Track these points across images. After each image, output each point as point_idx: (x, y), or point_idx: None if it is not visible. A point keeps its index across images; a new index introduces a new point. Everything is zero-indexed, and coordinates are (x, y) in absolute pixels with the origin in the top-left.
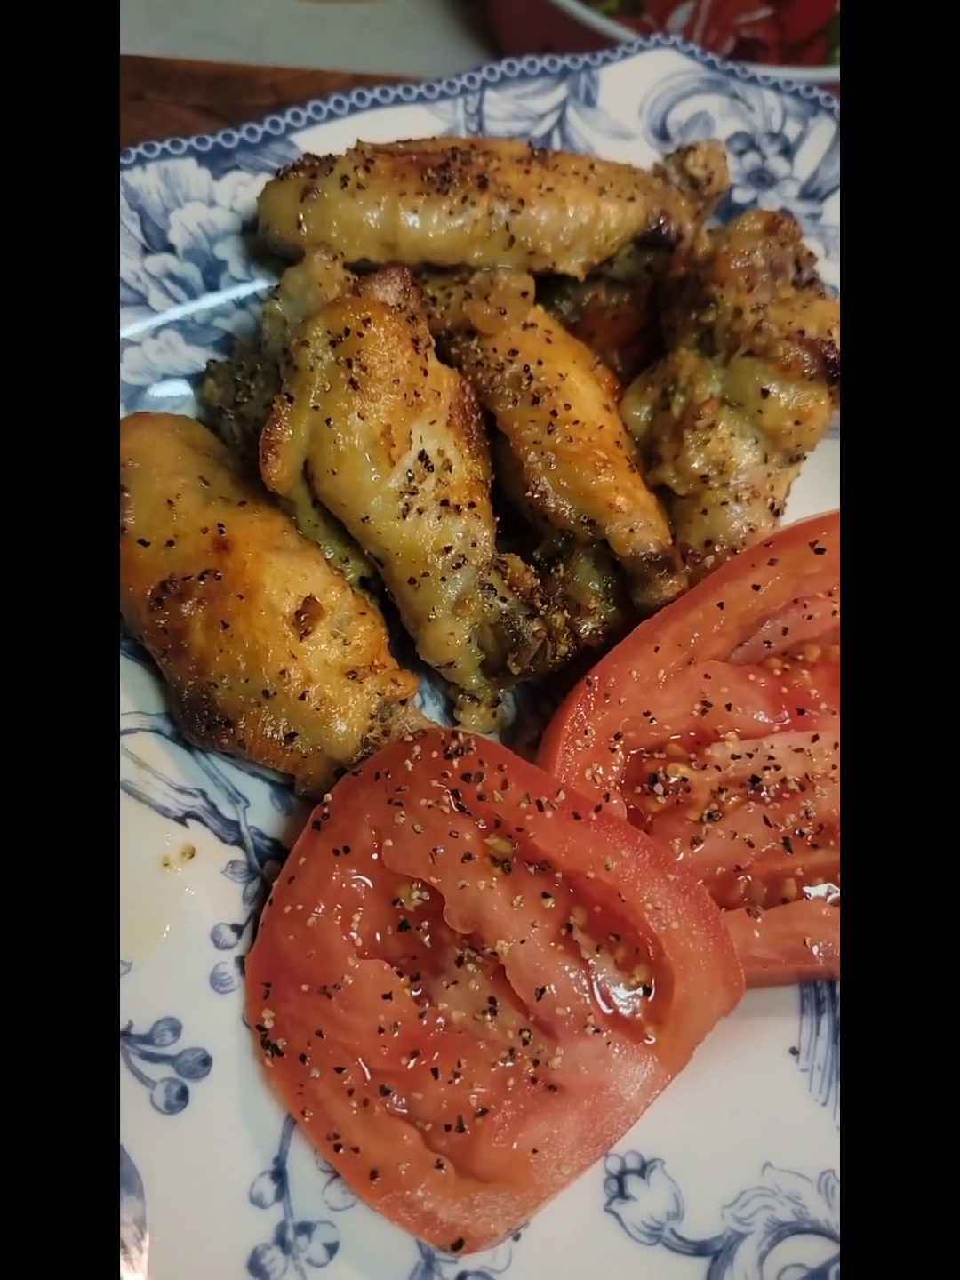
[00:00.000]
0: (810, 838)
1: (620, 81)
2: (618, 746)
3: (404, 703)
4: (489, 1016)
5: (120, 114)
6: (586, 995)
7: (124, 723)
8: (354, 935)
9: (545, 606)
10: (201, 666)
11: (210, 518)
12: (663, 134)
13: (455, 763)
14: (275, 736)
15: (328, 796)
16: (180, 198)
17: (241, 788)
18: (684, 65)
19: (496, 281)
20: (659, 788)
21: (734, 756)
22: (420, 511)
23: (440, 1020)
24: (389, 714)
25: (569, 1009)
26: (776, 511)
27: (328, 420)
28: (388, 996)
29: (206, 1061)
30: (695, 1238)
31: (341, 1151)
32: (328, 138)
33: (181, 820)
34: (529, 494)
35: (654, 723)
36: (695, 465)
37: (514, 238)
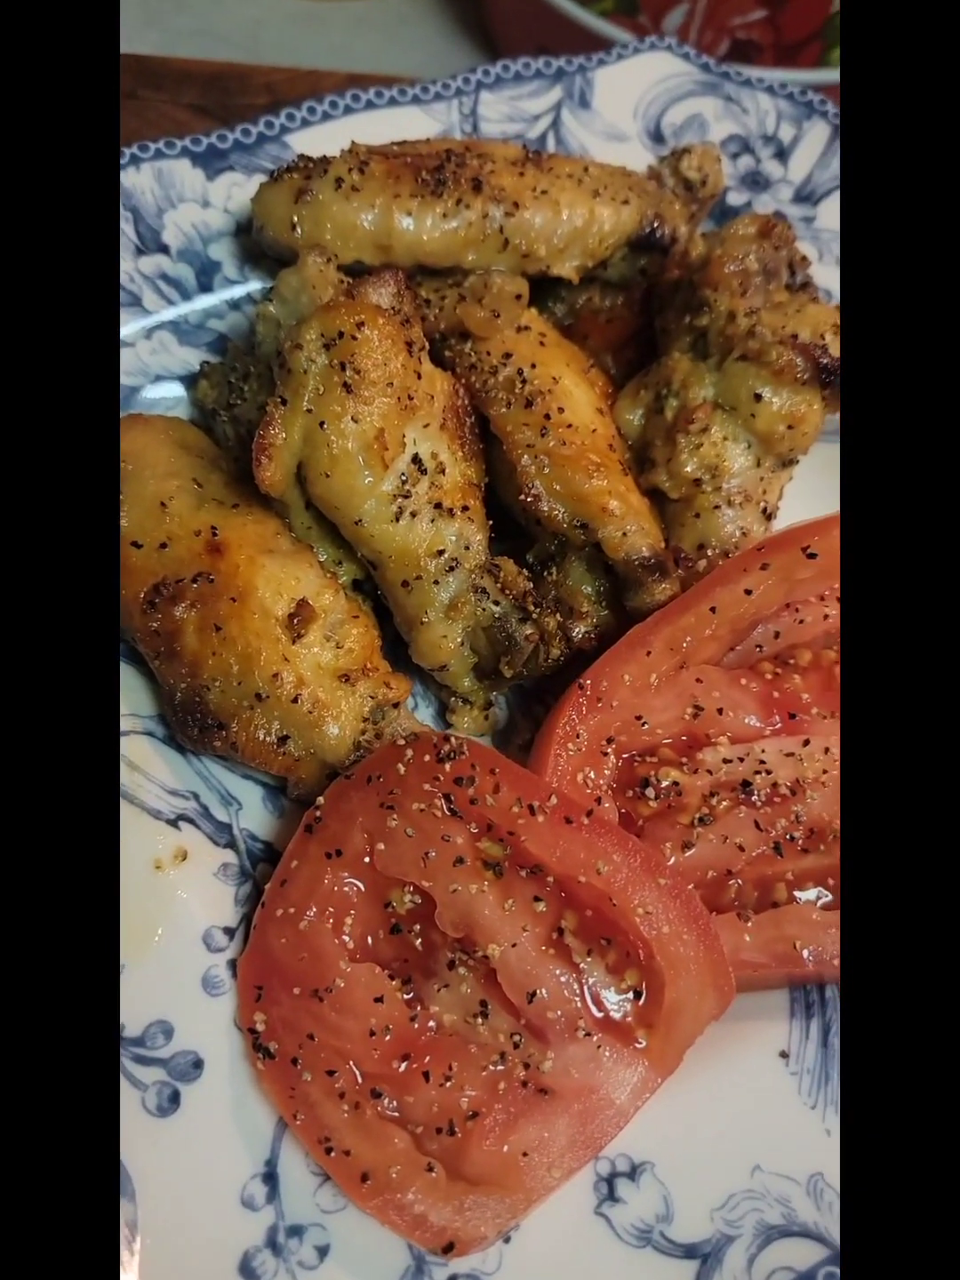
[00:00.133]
0: (801, 842)
1: (615, 83)
2: (610, 750)
3: (396, 706)
4: (480, 1020)
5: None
6: (577, 999)
7: None
8: (346, 938)
9: (538, 610)
10: (194, 669)
11: (203, 520)
12: (657, 136)
13: (447, 766)
14: (268, 739)
15: (320, 800)
16: (174, 198)
17: (234, 790)
18: (679, 67)
19: (490, 284)
20: (650, 791)
21: (725, 760)
22: (413, 515)
23: (431, 1023)
24: (381, 717)
25: (560, 1012)
26: (769, 515)
27: (321, 423)
28: (379, 1000)
29: (198, 1064)
30: (684, 1240)
31: (333, 1154)
32: (322, 138)
33: (174, 823)
34: (522, 497)
35: (646, 726)
36: (688, 469)
37: (508, 240)
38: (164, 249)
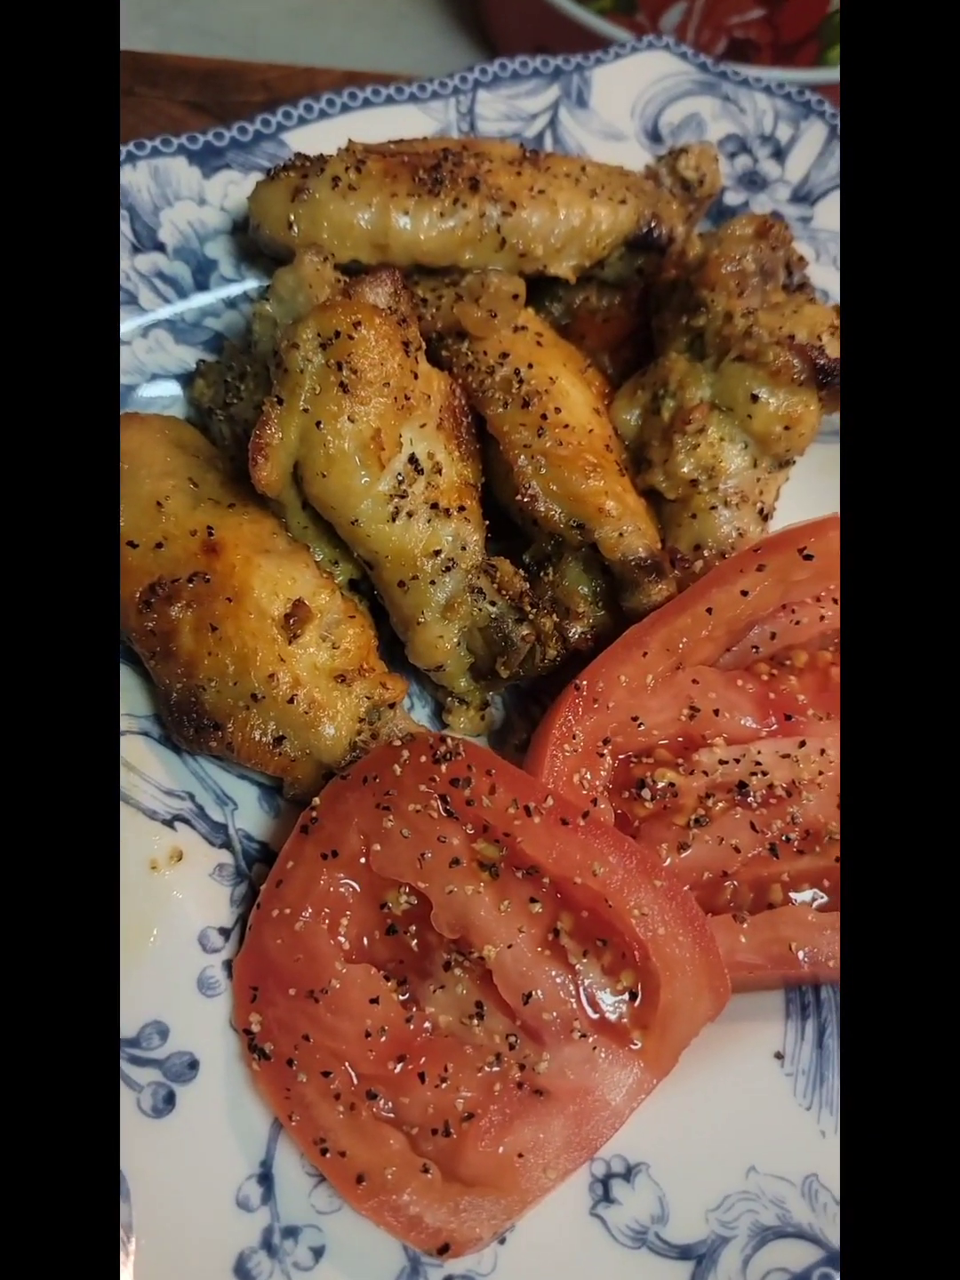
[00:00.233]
0: (796, 843)
1: (612, 82)
2: (606, 751)
3: (392, 706)
4: (476, 1021)
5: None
6: (573, 1000)
7: None
8: (341, 939)
9: (534, 610)
10: (190, 669)
11: (199, 520)
12: (655, 135)
13: (443, 767)
14: (263, 740)
15: (316, 800)
16: (170, 196)
17: (230, 790)
18: (676, 67)
19: (487, 284)
20: (646, 793)
21: (721, 762)
22: (410, 515)
23: (427, 1024)
24: (377, 718)
25: (555, 1014)
26: (765, 516)
27: (318, 423)
28: (375, 1001)
29: (193, 1065)
30: (679, 1241)
31: (328, 1155)
32: (319, 137)
33: (169, 823)
34: (519, 497)
35: (642, 727)
36: (684, 469)
37: (505, 240)
38: (160, 247)
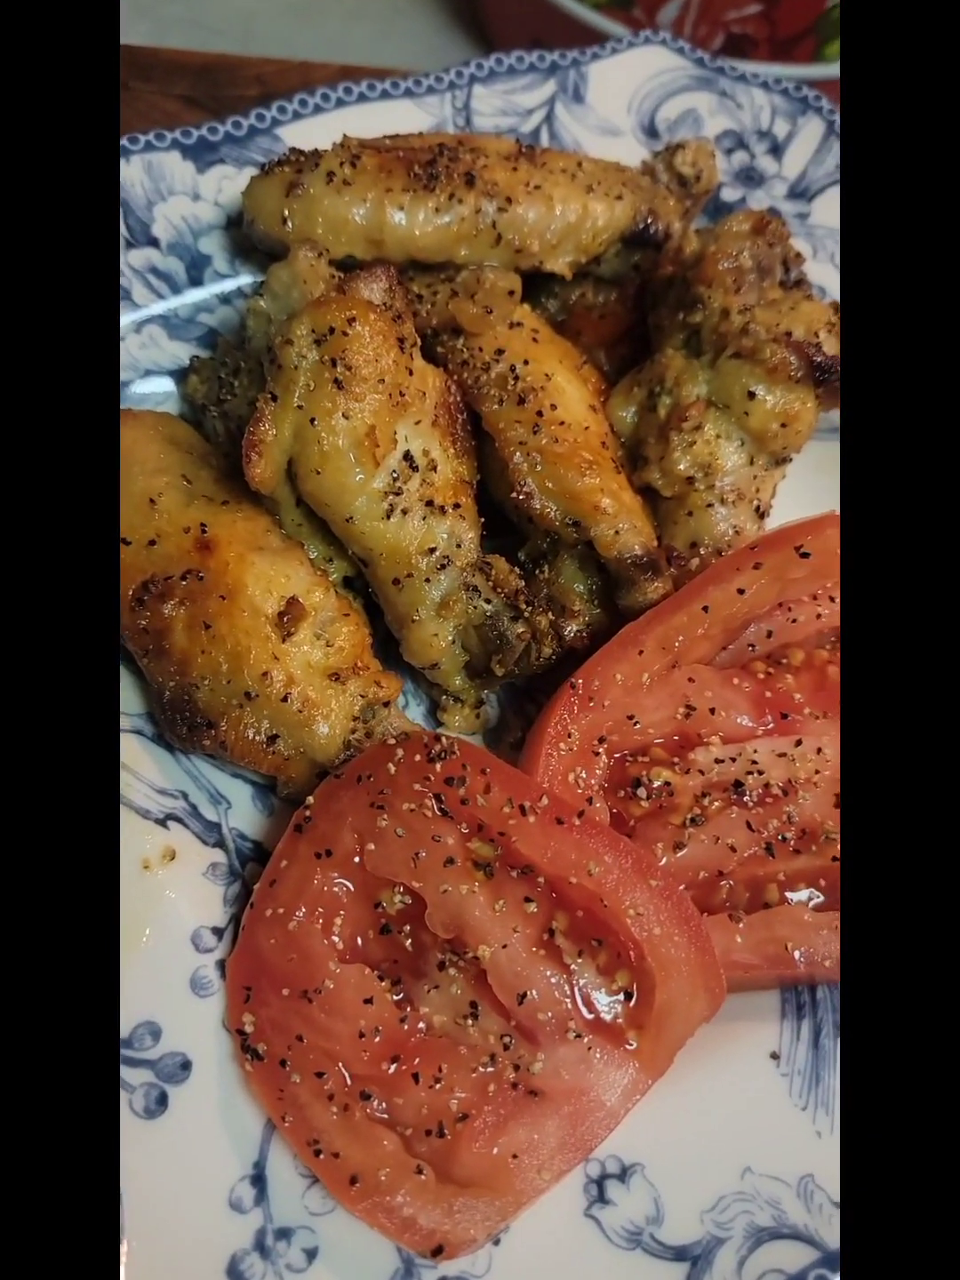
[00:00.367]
0: (793, 843)
1: (609, 78)
2: (601, 750)
3: (387, 705)
4: (470, 1021)
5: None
6: (568, 1000)
7: None
8: (335, 939)
9: (530, 608)
10: (183, 667)
11: (192, 517)
12: (651, 131)
13: (438, 766)
14: (257, 738)
15: (309, 799)
16: (164, 191)
17: (223, 789)
18: (673, 62)
19: (483, 280)
20: (642, 792)
21: (717, 761)
22: (405, 512)
23: (421, 1025)
24: (372, 716)
25: (550, 1014)
26: (762, 514)
27: (312, 419)
28: (369, 1001)
29: (186, 1066)
30: (674, 1242)
31: (321, 1157)
32: (314, 132)
33: (162, 822)
34: (514, 495)
35: (638, 726)
36: (681, 467)
37: (501, 235)
38: (154, 242)
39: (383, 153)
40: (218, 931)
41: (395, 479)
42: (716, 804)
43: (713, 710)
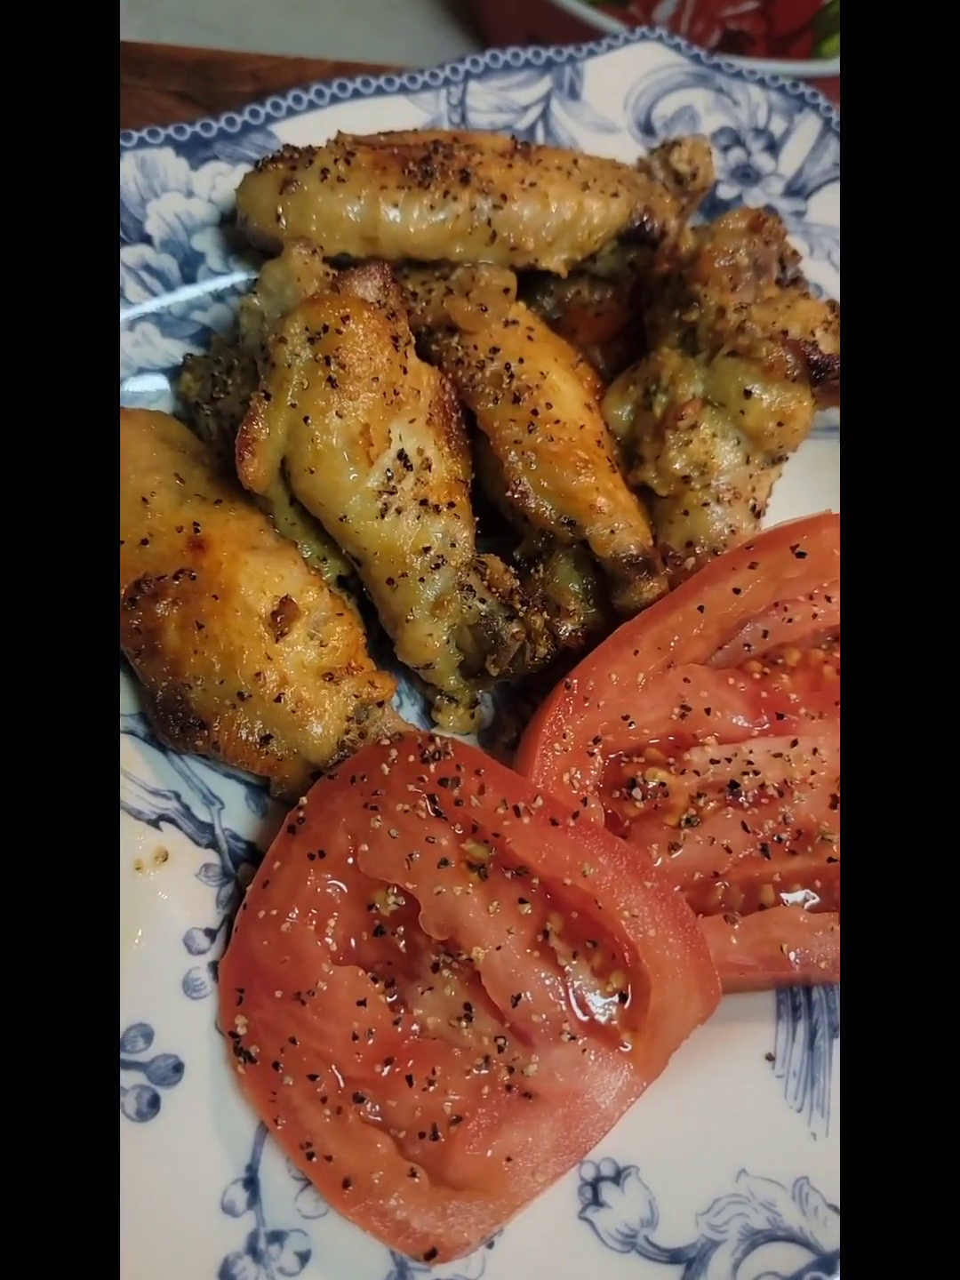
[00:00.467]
0: (788, 844)
1: (605, 74)
2: (596, 750)
3: (381, 705)
4: (464, 1023)
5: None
6: (562, 1002)
7: None
8: (329, 940)
9: (524, 608)
10: (176, 667)
11: (185, 516)
12: (647, 128)
13: (432, 767)
14: (250, 739)
15: (303, 800)
16: (157, 187)
17: (216, 789)
18: (670, 59)
19: (478, 278)
20: (637, 792)
21: (713, 761)
22: (399, 511)
23: (415, 1027)
24: (366, 716)
25: (544, 1016)
26: (758, 513)
27: (305, 418)
28: (362, 1003)
29: (178, 1068)
30: (669, 1245)
31: (314, 1160)
32: (308, 128)
33: (154, 823)
34: (509, 494)
35: (633, 726)
36: (676, 466)
37: (496, 233)
38: (147, 239)
39: (377, 149)
40: (210, 933)
41: (389, 478)
42: (712, 805)
43: (708, 710)
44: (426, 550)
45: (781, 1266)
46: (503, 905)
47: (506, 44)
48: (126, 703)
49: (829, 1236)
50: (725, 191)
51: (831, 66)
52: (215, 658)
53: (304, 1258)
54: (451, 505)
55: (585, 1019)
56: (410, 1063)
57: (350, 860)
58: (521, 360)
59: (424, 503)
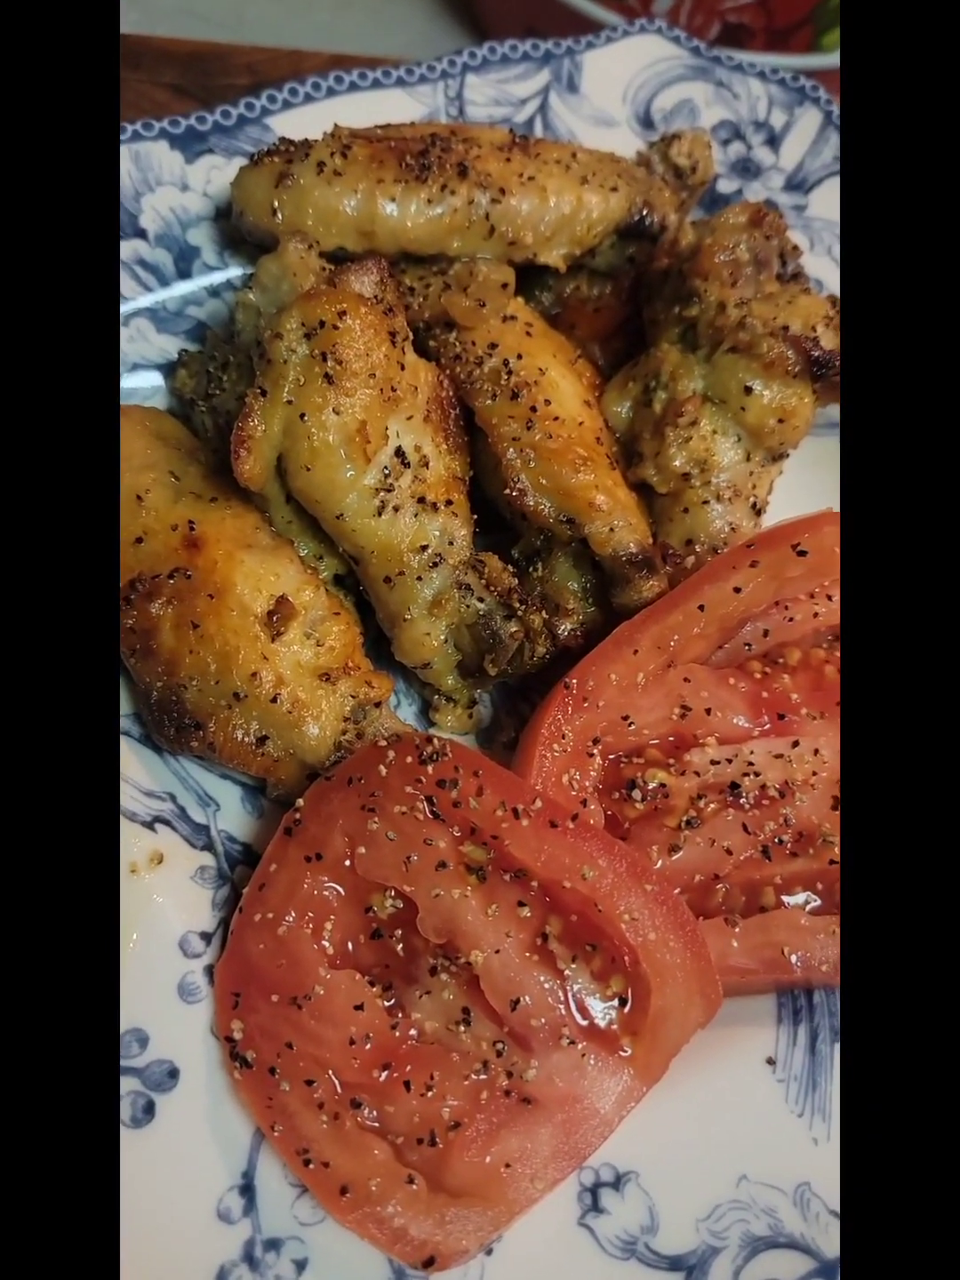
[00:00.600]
0: (789, 845)
1: (604, 67)
2: (595, 751)
3: (378, 705)
4: (462, 1027)
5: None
6: (561, 1006)
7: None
8: (325, 944)
9: (523, 607)
10: (171, 668)
11: (180, 514)
12: (647, 121)
13: (430, 768)
14: (246, 740)
15: (300, 802)
16: (152, 181)
17: (212, 790)
18: (669, 51)
19: (476, 273)
20: (637, 793)
21: (713, 762)
22: (396, 509)
23: (413, 1031)
24: (363, 717)
25: (544, 1020)
26: (758, 510)
27: (302, 415)
28: (359, 1007)
29: (173, 1074)
30: (670, 1252)
31: (311, 1166)
32: (304, 121)
33: (149, 825)
34: (507, 491)
35: (632, 727)
36: (676, 463)
37: (494, 227)
38: (142, 233)
39: (374, 143)
40: (206, 936)
41: (387, 475)
42: (712, 806)
43: (708, 711)
44: (424, 548)
45: (783, 1273)
46: (501, 908)
47: (504, 36)
48: (121, 703)
49: (830, 1243)
50: (725, 186)
51: (831, 59)
52: (211, 657)
53: (301, 1266)
54: (449, 503)
55: (585, 1023)
56: (408, 1068)
57: (347, 862)
58: (520, 356)
59: (422, 500)
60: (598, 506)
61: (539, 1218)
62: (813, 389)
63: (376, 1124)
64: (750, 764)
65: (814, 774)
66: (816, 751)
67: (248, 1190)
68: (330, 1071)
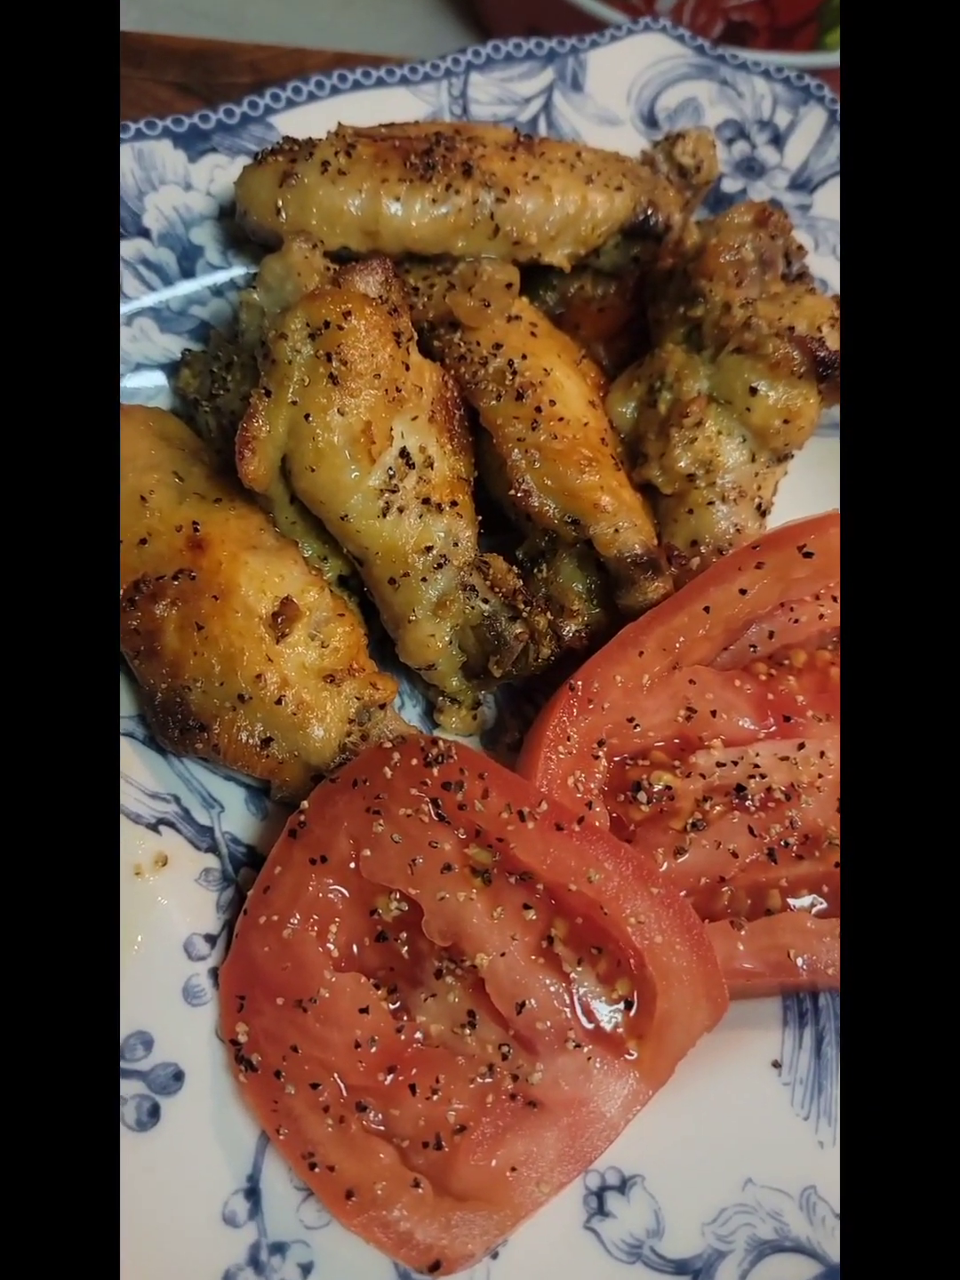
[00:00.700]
0: (795, 848)
1: (608, 66)
2: (601, 753)
3: (383, 707)
4: (468, 1030)
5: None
6: (567, 1009)
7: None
8: (330, 946)
9: (528, 608)
10: (175, 669)
11: (184, 515)
12: (651, 120)
13: (435, 770)
14: (251, 742)
15: (304, 804)
16: (155, 180)
17: (216, 792)
18: (673, 50)
19: (480, 272)
20: (643, 796)
21: (719, 764)
22: (401, 510)
23: (418, 1034)
24: (367, 718)
25: (549, 1023)
26: (763, 512)
27: (306, 416)
28: (365, 1010)
29: (179, 1076)
30: (675, 1256)
31: (317, 1170)
32: (308, 119)
33: (154, 827)
34: (512, 492)
35: (638, 729)
36: (681, 464)
37: (499, 227)
38: (145, 233)
39: (378, 142)
40: (211, 939)
41: (391, 476)
42: (718, 808)
43: (714, 713)
44: (429, 550)
45: (789, 1277)
46: (507, 911)
47: (507, 35)
48: (125, 705)
49: (837, 1247)
50: (730, 185)
51: (835, 58)
52: (215, 659)
53: (306, 1269)
54: (454, 504)
55: (590, 1026)
56: (413, 1071)
57: (352, 865)
58: (525, 356)
59: (426, 501)
60: (603, 507)
61: (544, 1221)
62: (818, 389)
63: (382, 1127)
64: (756, 766)
65: (819, 776)
66: (822, 754)
67: (253, 1194)
68: (335, 1075)
